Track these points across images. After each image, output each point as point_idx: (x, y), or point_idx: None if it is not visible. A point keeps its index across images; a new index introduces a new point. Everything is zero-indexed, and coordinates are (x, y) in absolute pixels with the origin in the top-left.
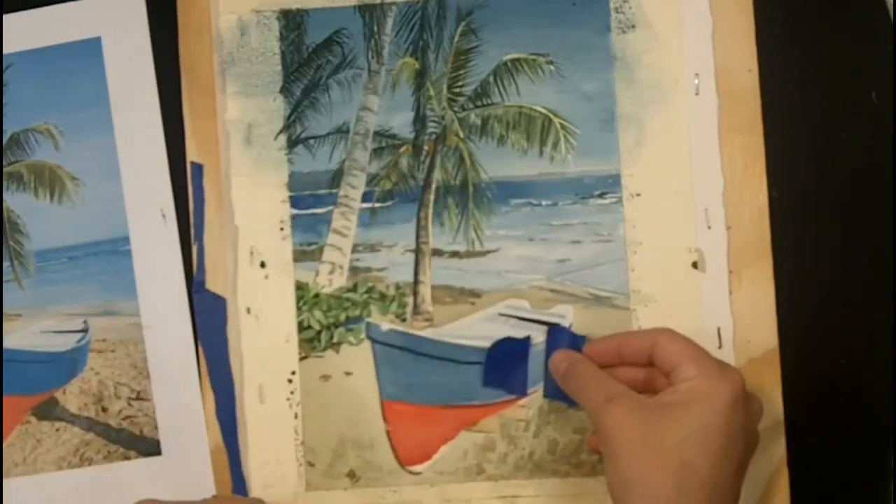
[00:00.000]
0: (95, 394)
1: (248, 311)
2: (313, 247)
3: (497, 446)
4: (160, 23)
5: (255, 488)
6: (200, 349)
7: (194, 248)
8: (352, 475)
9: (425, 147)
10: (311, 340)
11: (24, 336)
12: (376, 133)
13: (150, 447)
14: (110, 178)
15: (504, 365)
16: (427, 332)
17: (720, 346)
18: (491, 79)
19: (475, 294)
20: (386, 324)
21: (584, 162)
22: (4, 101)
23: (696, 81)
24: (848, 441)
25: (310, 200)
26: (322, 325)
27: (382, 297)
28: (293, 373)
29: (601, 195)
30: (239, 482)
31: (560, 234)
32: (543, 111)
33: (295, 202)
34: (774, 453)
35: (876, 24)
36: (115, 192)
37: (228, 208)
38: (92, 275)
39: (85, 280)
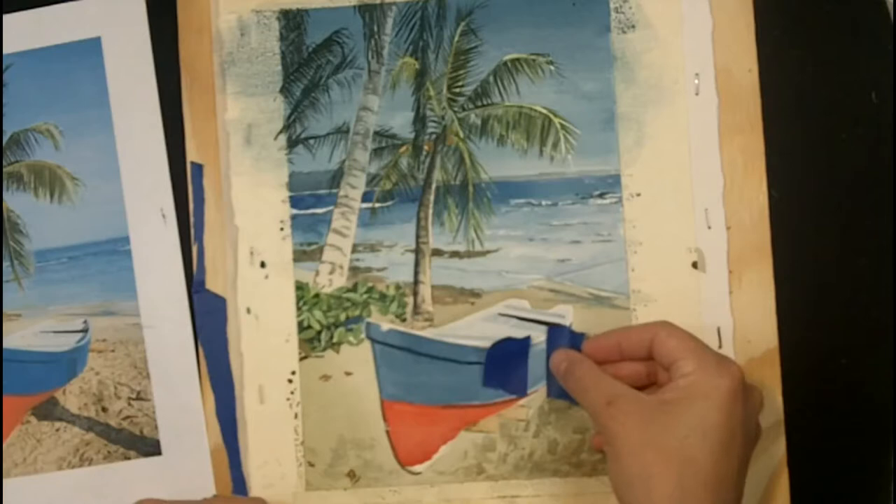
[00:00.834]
0: (95, 394)
1: (248, 311)
2: (313, 247)
3: (497, 446)
4: (160, 23)
5: (255, 488)
6: (200, 349)
7: (194, 248)
8: (352, 475)
9: (425, 147)
10: (311, 340)
11: (24, 336)
12: (376, 133)
13: (150, 447)
14: (110, 179)
15: (504, 365)
16: (427, 332)
17: (720, 346)
18: (491, 79)
19: (475, 294)
20: (386, 324)
21: (584, 162)
22: (4, 101)
23: (696, 81)
24: (848, 441)
25: (310, 200)
26: (322, 325)
27: (382, 297)
28: (293, 373)
29: (601, 195)
30: (239, 482)
31: (560, 234)
32: (543, 111)
33: (295, 202)
34: (774, 453)
35: (876, 24)
36: (114, 192)
37: (228, 208)
38: (92, 275)
39: (85, 280)
